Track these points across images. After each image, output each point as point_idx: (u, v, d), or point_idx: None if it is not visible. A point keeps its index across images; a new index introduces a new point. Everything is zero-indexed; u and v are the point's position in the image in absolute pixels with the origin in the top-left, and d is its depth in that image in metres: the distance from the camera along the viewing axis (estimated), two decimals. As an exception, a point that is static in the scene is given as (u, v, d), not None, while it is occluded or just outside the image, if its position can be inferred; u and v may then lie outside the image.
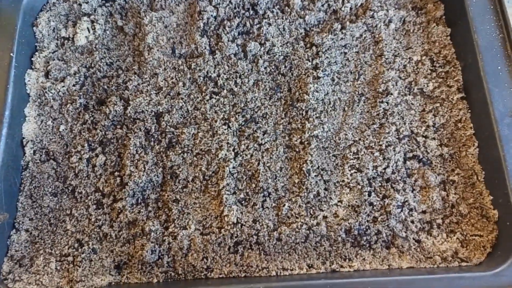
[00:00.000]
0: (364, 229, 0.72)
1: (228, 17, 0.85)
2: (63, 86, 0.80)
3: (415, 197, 0.74)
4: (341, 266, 0.70)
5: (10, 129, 0.74)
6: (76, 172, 0.76)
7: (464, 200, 0.74)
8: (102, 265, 0.70)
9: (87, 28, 0.84)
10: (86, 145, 0.77)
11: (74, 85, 0.81)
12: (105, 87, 0.81)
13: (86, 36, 0.84)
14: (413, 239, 0.72)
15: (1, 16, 0.79)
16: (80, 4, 0.86)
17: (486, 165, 0.75)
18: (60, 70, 0.82)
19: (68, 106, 0.79)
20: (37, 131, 0.78)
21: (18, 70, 0.78)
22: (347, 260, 0.70)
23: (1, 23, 0.79)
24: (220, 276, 0.70)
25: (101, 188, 0.75)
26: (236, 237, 0.72)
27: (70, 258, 0.71)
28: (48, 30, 0.84)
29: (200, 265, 0.70)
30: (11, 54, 0.78)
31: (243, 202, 0.74)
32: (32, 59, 0.82)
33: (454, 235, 0.72)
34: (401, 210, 0.73)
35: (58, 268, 0.70)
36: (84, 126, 0.79)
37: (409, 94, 0.80)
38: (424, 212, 0.73)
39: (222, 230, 0.72)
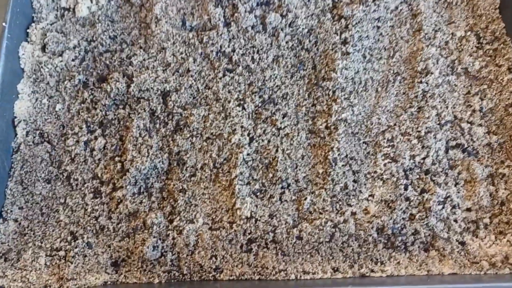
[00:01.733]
0: (399, 228, 0.63)
1: (246, -15, 0.76)
2: (61, 61, 0.73)
3: (458, 192, 0.65)
4: (372, 271, 0.61)
5: (0, 107, 0.67)
6: (73, 156, 0.68)
7: (515, 197, 0.64)
8: (98, 262, 0.62)
9: (90, -3, 0.77)
10: (84, 126, 0.69)
11: (73, 60, 0.73)
12: (107, 62, 0.73)
13: (88, 7, 0.77)
14: (457, 240, 0.63)
15: (-7, -18, 0.72)
16: (82, -28, 0.78)
17: (542, 156, 0.65)
18: (58, 43, 0.74)
19: (65, 83, 0.72)
20: (31, 110, 0.70)
21: (11, 42, 0.71)
22: (378, 263, 0.62)
23: (-7, -11, 0.72)
24: (231, 277, 0.61)
25: (99, 175, 0.67)
26: (249, 233, 0.63)
27: (61, 253, 0.63)
28: (46, -1, 0.77)
29: (208, 265, 0.62)
30: (4, 23, 0.70)
31: (258, 194, 0.65)
32: (28, 30, 0.75)
33: (504, 237, 0.63)
34: (443, 207, 0.64)
35: (48, 263, 0.62)
36: (82, 105, 0.71)
37: (452, 74, 0.71)
38: (469, 209, 0.64)
39: (234, 225, 0.63)
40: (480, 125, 0.68)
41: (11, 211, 0.65)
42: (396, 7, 0.75)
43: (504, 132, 0.68)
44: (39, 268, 0.62)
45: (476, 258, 0.62)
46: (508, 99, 0.69)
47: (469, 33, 0.74)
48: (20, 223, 0.65)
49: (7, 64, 0.69)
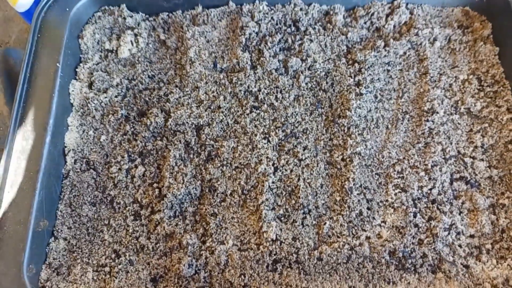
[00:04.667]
0: (409, 252, 0.69)
1: (270, 33, 0.85)
2: (106, 97, 0.81)
3: (462, 220, 0.71)
4: (384, 290, 0.67)
5: (53, 137, 0.75)
6: (115, 182, 0.76)
7: (515, 225, 0.70)
8: (139, 277, 0.69)
9: (131, 41, 0.85)
10: (126, 155, 0.77)
11: (116, 96, 0.81)
12: (147, 99, 0.81)
13: (129, 49, 0.85)
14: (461, 264, 0.68)
15: (49, 28, 0.81)
16: (124, 18, 0.87)
17: (538, 189, 0.71)
18: (103, 81, 0.82)
19: (109, 116, 0.80)
20: (79, 141, 0.78)
21: (63, 80, 0.79)
22: (391, 283, 0.67)
23: (50, 34, 0.81)
24: (258, 294, 0.67)
25: (139, 199, 0.74)
26: (275, 254, 0.70)
27: (107, 269, 0.70)
28: (92, 42, 0.86)
29: (237, 282, 0.68)
30: (58, 64, 0.79)
31: (283, 218, 0.72)
32: (77, 69, 0.83)
33: (504, 262, 0.69)
34: (448, 233, 0.70)
35: (95, 278, 0.69)
36: (124, 137, 0.79)
37: (456, 114, 0.78)
38: (472, 236, 0.70)
39: (261, 246, 0.70)
40: (482, 159, 0.75)
41: (61, 230, 0.72)
42: (405, 53, 0.83)
43: (504, 166, 0.74)
44: (87, 282, 0.69)
45: (479, 280, 0.67)
46: (508, 136, 0.76)
47: (471, 76, 0.81)
48: (69, 242, 0.72)
49: (59, 100, 0.77)
